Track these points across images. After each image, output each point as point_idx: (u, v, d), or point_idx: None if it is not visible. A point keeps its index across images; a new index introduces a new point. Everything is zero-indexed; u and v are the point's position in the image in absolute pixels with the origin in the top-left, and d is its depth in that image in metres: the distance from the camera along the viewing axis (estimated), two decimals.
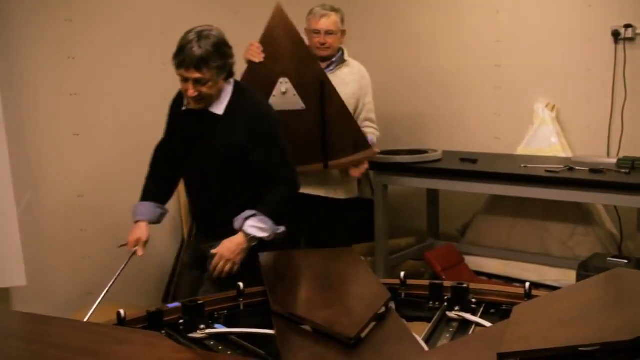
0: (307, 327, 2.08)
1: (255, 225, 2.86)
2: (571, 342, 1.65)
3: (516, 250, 4.95)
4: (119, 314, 2.15)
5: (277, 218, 2.92)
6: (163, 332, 2.17)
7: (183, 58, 2.75)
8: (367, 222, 4.98)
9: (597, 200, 4.30)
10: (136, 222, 3.05)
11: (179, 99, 3.08)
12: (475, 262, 5.07)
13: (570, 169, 4.24)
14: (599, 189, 4.01)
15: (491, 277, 5.00)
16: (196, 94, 2.81)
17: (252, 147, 2.91)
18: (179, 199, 4.69)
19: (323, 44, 3.95)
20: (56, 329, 2.02)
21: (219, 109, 2.94)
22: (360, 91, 4.05)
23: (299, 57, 3.80)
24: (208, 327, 2.21)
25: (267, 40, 3.79)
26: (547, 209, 4.78)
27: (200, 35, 2.79)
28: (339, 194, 4.04)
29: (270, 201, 2.94)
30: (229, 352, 2.04)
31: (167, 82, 4.11)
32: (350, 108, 3.95)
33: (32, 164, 3.98)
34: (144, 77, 4.44)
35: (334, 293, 2.30)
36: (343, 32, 4.04)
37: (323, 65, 3.97)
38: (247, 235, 2.86)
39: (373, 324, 2.07)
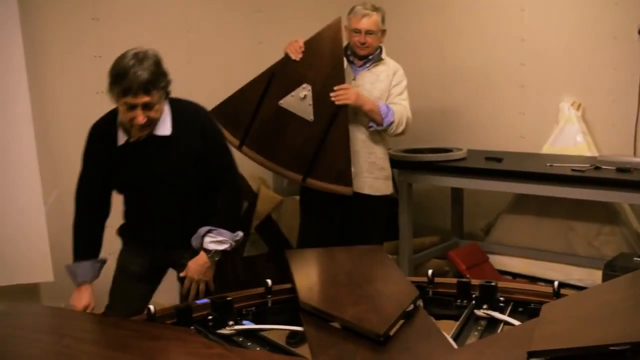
0: (335, 324, 2.09)
1: (214, 240, 2.76)
2: (601, 341, 1.65)
3: (541, 250, 4.91)
4: (148, 309, 2.16)
5: (232, 226, 2.83)
6: (192, 328, 2.18)
7: (129, 84, 2.51)
8: (391, 220, 4.97)
9: (623, 199, 4.26)
10: (78, 285, 2.73)
11: (100, 135, 2.82)
12: (500, 261, 5.06)
13: (597, 168, 4.21)
14: (626, 188, 3.97)
15: (515, 276, 4.98)
16: (145, 119, 2.58)
17: (209, 153, 2.79)
18: None
19: (363, 44, 3.95)
20: (87, 324, 2.05)
21: (165, 129, 2.73)
22: (391, 85, 4.04)
23: (332, 75, 3.82)
24: (236, 323, 2.22)
25: (311, 45, 3.86)
26: (572, 208, 4.75)
27: (139, 58, 2.57)
28: (373, 190, 4.03)
29: (223, 210, 2.83)
30: (257, 348, 2.04)
31: (192, 80, 4.16)
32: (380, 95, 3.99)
33: (59, 161, 4.01)
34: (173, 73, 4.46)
35: (362, 291, 2.30)
36: (383, 32, 4.04)
37: (360, 62, 4.01)
38: (208, 252, 2.76)
39: (401, 321, 2.07)
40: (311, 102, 3.82)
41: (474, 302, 2.35)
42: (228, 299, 2.24)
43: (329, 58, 3.83)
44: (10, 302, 3.56)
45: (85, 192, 2.92)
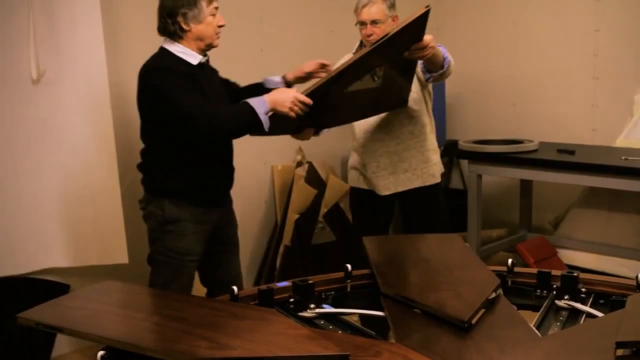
0: (416, 310, 2.10)
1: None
2: None
3: (612, 245, 4.83)
4: (232, 290, 2.20)
5: None
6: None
7: None
8: (457, 211, 4.95)
9: None
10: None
11: (169, 62, 2.95)
12: (569, 256, 4.99)
13: None
14: None
15: (585, 271, 4.88)
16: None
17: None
18: (272, 179, 4.77)
19: (369, 36, 3.47)
20: (174, 302, 2.09)
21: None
22: None
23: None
24: (317, 307, 2.24)
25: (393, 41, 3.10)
26: None
27: None
28: (422, 180, 3.67)
29: None
30: (339, 332, 2.06)
31: (264, 68, 4.19)
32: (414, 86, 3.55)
33: (135, 146, 4.08)
34: (241, 61, 4.51)
35: (442, 277, 2.30)
36: (394, 19, 3.55)
37: None
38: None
39: (483, 310, 2.07)
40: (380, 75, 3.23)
41: (554, 292, 2.32)
42: (310, 282, 2.26)
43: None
44: (89, 283, 3.66)
45: (218, 105, 3.00)
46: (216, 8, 2.92)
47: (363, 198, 3.79)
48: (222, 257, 3.22)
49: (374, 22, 3.47)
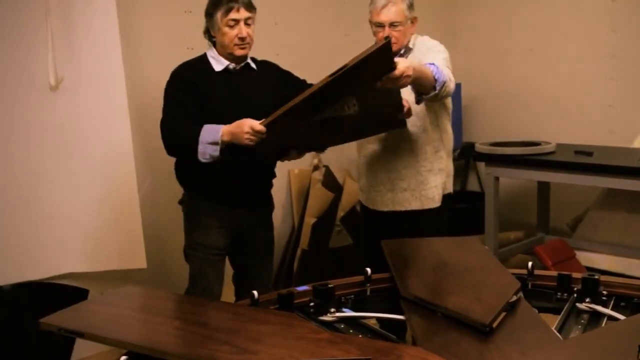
0: (437, 314, 2.09)
1: None
2: None
3: (631, 247, 4.80)
4: (252, 295, 2.20)
5: None
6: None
7: (233, 1, 2.96)
8: (474, 214, 4.94)
9: None
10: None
11: (190, 69, 3.12)
12: (587, 258, 4.96)
13: None
14: None
15: (604, 273, 4.86)
16: (247, 34, 3.01)
17: (290, 88, 3.16)
18: (289, 184, 4.77)
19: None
20: (195, 307, 2.09)
21: (251, 63, 3.17)
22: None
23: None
24: (337, 310, 2.23)
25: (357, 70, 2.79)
26: None
27: None
28: (420, 202, 3.42)
29: None
30: (359, 335, 2.06)
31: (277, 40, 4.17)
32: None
33: (152, 150, 4.10)
34: (258, 34, 4.53)
35: (462, 280, 2.29)
36: (413, 20, 3.33)
37: None
38: None
39: (504, 313, 2.06)
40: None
41: (575, 295, 2.31)
42: (330, 286, 2.25)
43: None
44: (107, 287, 3.68)
45: (186, 124, 2.99)
46: (235, 20, 2.98)
47: (365, 215, 3.66)
48: (252, 271, 3.31)
49: (393, 25, 3.24)
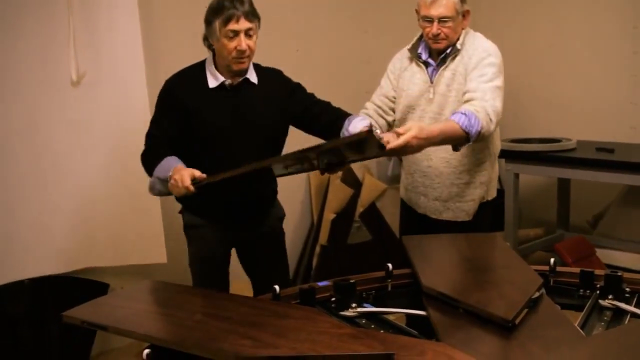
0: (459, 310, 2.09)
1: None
2: None
3: None
4: (274, 289, 2.21)
5: None
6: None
7: (232, 12, 2.66)
8: (494, 211, 4.90)
9: None
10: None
11: (184, 81, 2.89)
12: (608, 255, 4.93)
13: None
14: None
15: (624, 271, 4.83)
16: (247, 47, 2.72)
17: (298, 102, 2.98)
18: (308, 179, 4.77)
19: (436, 36, 2.99)
20: (217, 301, 2.10)
21: (252, 77, 2.89)
22: (467, 70, 2.99)
23: None
24: (359, 306, 2.23)
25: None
26: None
27: None
28: (453, 214, 3.22)
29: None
30: (381, 331, 2.05)
31: (299, 69, 4.18)
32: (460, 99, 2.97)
33: None
34: (276, 64, 4.52)
35: (485, 277, 2.29)
36: (465, 14, 3.04)
37: (437, 59, 3.10)
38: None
39: (526, 309, 2.05)
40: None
41: (598, 292, 2.30)
42: (351, 281, 2.25)
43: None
44: (127, 282, 3.70)
45: (157, 148, 2.83)
46: (234, 31, 2.69)
47: (402, 207, 3.48)
48: (267, 277, 3.01)
49: (442, 20, 2.96)
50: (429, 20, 2.99)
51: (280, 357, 1.68)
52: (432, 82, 3.10)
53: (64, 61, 3.62)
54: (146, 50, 3.83)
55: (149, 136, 2.90)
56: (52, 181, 3.67)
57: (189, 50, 4.12)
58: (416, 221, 3.32)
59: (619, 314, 2.18)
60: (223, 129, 2.83)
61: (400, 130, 2.55)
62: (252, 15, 2.72)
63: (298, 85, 3.04)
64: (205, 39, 2.88)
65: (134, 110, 3.80)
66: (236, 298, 2.10)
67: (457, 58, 3.05)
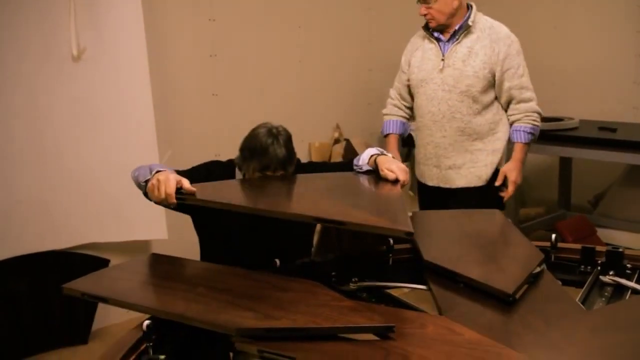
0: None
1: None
2: None
3: None
4: (275, 263, 2.21)
5: None
6: None
7: (268, 162, 2.49)
8: (496, 190, 4.90)
9: None
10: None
11: (220, 168, 2.71)
12: (608, 235, 4.92)
13: None
14: None
15: None
16: None
17: None
18: (310, 155, 4.75)
19: (425, 16, 3.29)
20: (218, 275, 2.09)
21: None
22: (494, 57, 3.23)
23: None
24: (359, 280, 2.23)
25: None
26: None
27: (273, 134, 2.54)
28: (466, 180, 3.40)
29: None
30: (382, 305, 2.05)
31: (302, 46, 4.18)
32: (482, 82, 3.25)
33: (173, 122, 4.12)
34: (279, 39, 4.51)
35: (486, 252, 2.28)
36: None
37: (447, 34, 3.31)
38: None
39: (526, 286, 2.04)
40: None
41: (599, 268, 2.30)
42: (352, 255, 2.25)
43: None
44: (128, 258, 3.70)
45: None
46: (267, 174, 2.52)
47: (418, 187, 3.64)
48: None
49: (425, 2, 3.24)
50: (418, 1, 3.28)
51: (281, 329, 1.68)
52: (443, 56, 3.32)
53: (64, 36, 3.59)
54: (147, 25, 3.80)
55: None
56: (53, 157, 3.66)
57: (190, 25, 4.14)
58: (429, 194, 3.50)
59: (619, 290, 2.18)
60: (239, 227, 2.56)
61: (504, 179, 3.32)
62: (289, 162, 2.55)
63: (309, 163, 2.88)
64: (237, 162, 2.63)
65: (134, 85, 3.79)
66: (237, 271, 2.09)
67: (475, 35, 3.28)
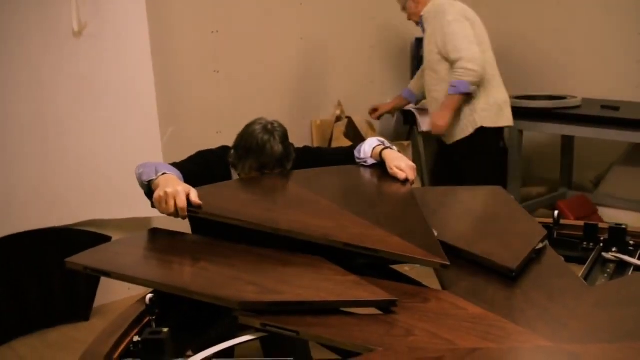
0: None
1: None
2: None
3: None
4: None
5: None
6: None
7: (266, 160, 2.46)
8: (497, 168, 4.90)
9: None
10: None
11: (215, 161, 2.64)
12: (609, 214, 4.93)
13: None
14: None
15: None
16: None
17: None
18: (311, 132, 4.75)
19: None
20: (221, 249, 2.09)
21: None
22: (433, 35, 3.93)
23: None
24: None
25: None
26: None
27: (268, 130, 2.48)
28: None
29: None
30: (385, 280, 2.05)
31: (303, 22, 4.14)
32: (437, 58, 3.95)
33: (175, 99, 4.10)
34: (281, 16, 4.48)
35: (489, 228, 2.28)
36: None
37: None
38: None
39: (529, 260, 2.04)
40: None
41: (601, 244, 2.30)
42: None
43: None
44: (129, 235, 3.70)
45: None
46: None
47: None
48: None
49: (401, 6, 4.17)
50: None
51: (284, 303, 1.68)
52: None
53: (65, 11, 3.57)
54: (148, 0, 3.78)
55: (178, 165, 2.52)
56: (54, 133, 3.65)
57: (192, 1, 4.11)
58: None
59: (622, 267, 2.18)
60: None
61: None
62: (287, 159, 2.51)
63: (303, 149, 2.80)
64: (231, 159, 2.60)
65: (136, 61, 3.77)
66: (240, 247, 2.09)
67: (425, 25, 4.02)
